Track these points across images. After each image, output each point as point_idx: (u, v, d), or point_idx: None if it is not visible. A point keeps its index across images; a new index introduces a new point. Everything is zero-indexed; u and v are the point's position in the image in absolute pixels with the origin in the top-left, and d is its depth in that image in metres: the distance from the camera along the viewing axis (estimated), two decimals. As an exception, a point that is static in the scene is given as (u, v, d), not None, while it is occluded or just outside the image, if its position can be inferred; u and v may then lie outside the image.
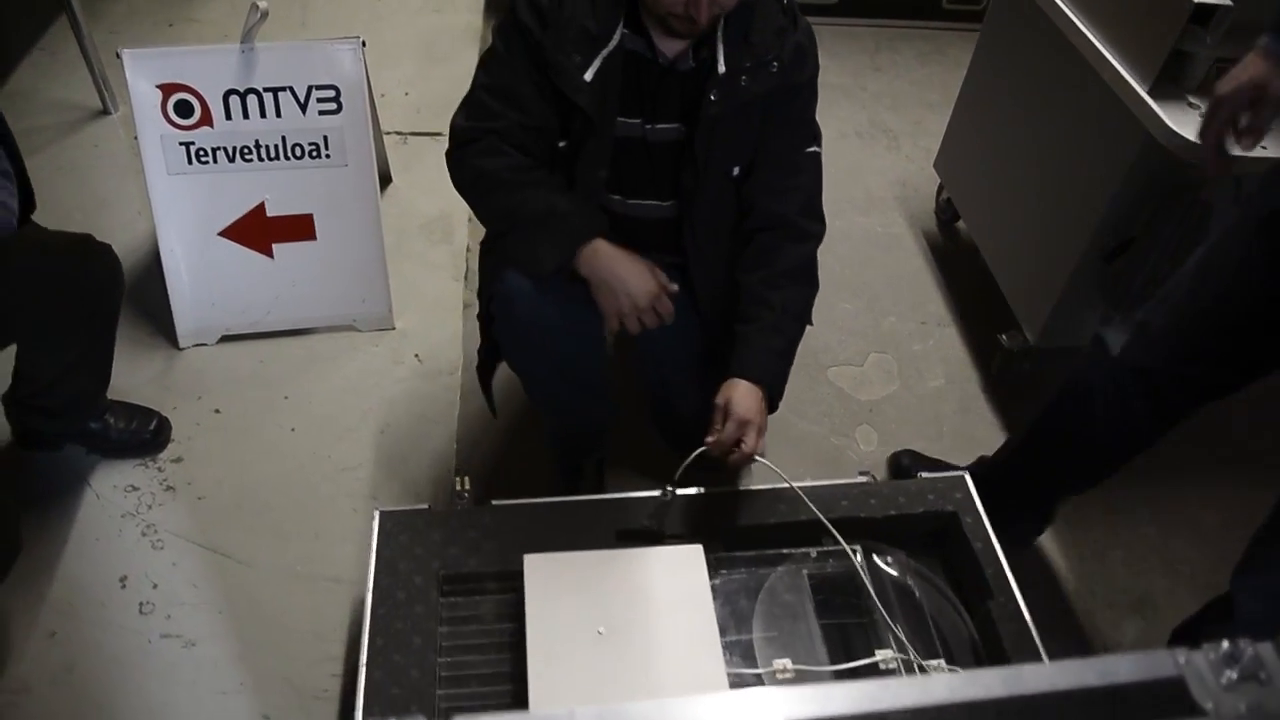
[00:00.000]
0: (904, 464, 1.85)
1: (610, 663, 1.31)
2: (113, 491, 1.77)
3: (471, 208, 1.49)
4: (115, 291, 1.60)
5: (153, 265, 1.94)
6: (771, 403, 1.44)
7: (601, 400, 1.66)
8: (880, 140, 2.75)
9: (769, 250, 1.46)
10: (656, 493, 1.49)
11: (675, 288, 1.42)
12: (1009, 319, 2.03)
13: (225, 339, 2.03)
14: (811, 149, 1.45)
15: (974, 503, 1.56)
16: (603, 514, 1.52)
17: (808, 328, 1.50)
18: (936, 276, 2.34)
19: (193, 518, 1.74)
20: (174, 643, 1.57)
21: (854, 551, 1.46)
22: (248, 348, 2.03)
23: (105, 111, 2.58)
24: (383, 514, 1.50)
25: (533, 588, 1.37)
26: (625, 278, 1.36)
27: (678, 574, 1.41)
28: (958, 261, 2.34)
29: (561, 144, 1.40)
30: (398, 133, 2.59)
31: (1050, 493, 1.69)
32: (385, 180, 2.41)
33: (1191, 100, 1.57)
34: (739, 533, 1.51)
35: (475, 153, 1.39)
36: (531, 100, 1.36)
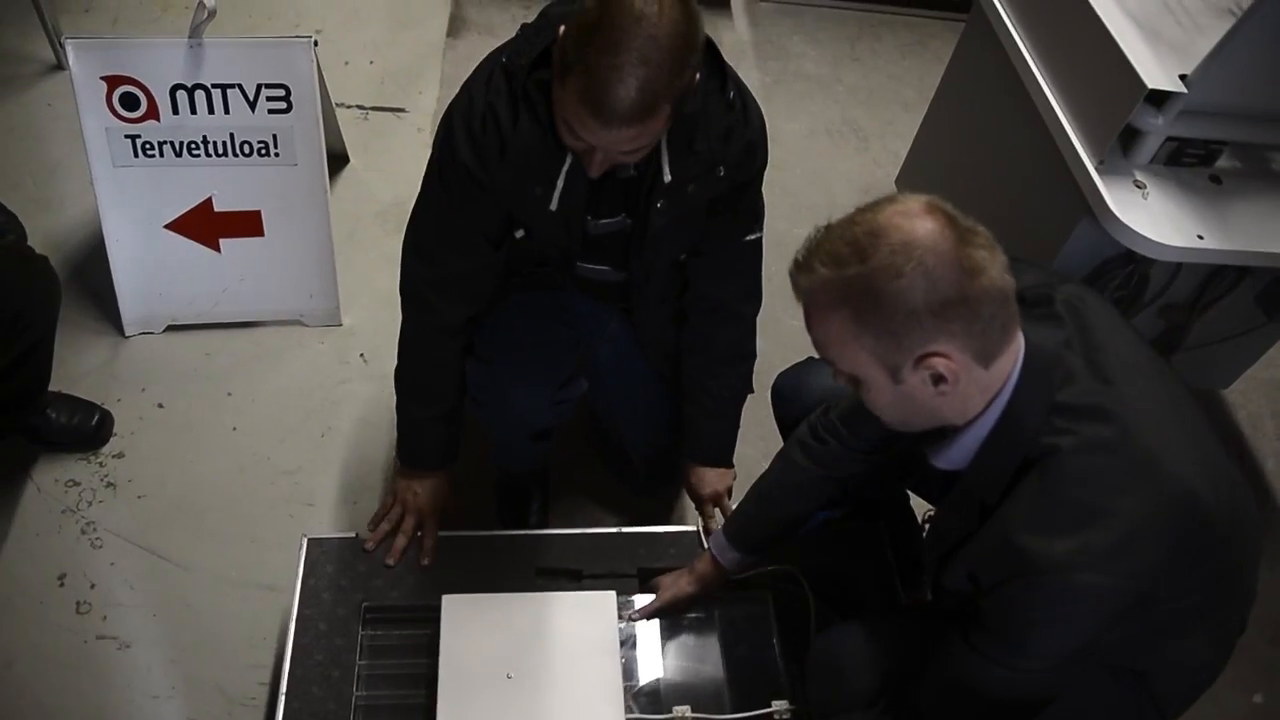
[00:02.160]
0: None
1: (516, 707, 1.38)
2: (54, 485, 1.81)
3: None
4: (53, 306, 1.61)
5: (103, 243, 1.93)
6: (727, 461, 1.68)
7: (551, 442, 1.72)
8: (850, 141, 2.72)
9: (705, 335, 1.55)
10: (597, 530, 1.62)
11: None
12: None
13: (171, 328, 2.04)
14: (754, 236, 1.47)
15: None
16: (525, 550, 1.58)
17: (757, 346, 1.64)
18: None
19: (132, 517, 1.78)
20: (109, 644, 1.64)
21: (766, 598, 1.54)
22: (194, 338, 2.04)
23: (59, 66, 2.51)
24: (310, 541, 1.55)
25: (449, 628, 1.43)
26: (405, 494, 1.57)
27: (589, 620, 1.48)
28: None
29: (519, 234, 1.40)
30: (359, 107, 2.55)
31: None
32: (341, 160, 2.38)
33: (1138, 179, 1.58)
34: (656, 573, 1.57)
35: (408, 318, 1.52)
36: (475, 246, 1.38)
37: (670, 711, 1.42)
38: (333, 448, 1.91)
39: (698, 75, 1.17)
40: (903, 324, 0.94)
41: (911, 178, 2.34)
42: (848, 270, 0.94)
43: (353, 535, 1.57)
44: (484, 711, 1.37)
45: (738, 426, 1.67)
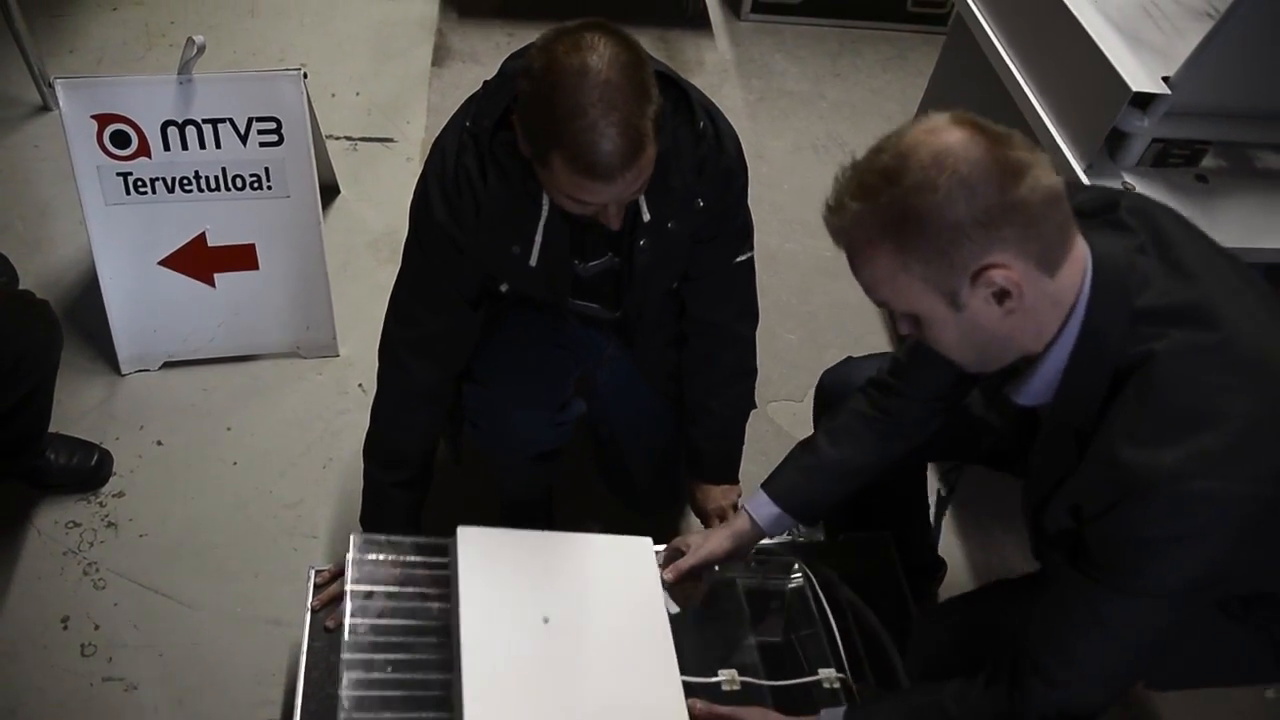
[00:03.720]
0: None
1: (556, 656, 1.20)
2: (54, 528, 1.79)
3: None
4: (54, 351, 1.60)
5: (97, 282, 1.93)
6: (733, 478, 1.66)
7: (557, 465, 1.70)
8: (835, 155, 2.75)
9: (705, 358, 1.54)
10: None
11: None
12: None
13: (168, 365, 2.03)
14: (744, 256, 1.46)
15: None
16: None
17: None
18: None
19: (134, 556, 1.76)
20: (115, 686, 1.61)
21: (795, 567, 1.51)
22: (191, 374, 2.03)
23: (45, 108, 2.52)
24: (317, 573, 1.54)
25: (467, 562, 1.23)
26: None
27: (626, 566, 1.36)
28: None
29: (503, 288, 1.40)
30: (347, 138, 2.56)
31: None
32: (332, 192, 2.39)
33: (1126, 180, 1.60)
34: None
35: (382, 380, 1.50)
36: (451, 305, 1.38)
37: (716, 675, 1.34)
38: (334, 479, 1.90)
39: (660, 101, 1.14)
40: (950, 241, 0.88)
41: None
42: (880, 199, 0.89)
43: (359, 565, 1.55)
44: (517, 659, 1.18)
45: (742, 443, 1.66)
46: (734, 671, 1.36)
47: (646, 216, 1.29)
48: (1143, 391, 0.90)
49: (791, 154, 2.73)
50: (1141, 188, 1.58)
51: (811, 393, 2.13)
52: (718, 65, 3.02)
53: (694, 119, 1.27)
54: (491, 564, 1.25)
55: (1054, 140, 1.67)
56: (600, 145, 1.06)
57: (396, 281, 1.44)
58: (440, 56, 2.88)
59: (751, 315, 1.56)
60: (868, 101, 2.95)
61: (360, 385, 2.05)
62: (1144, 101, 1.53)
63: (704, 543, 1.41)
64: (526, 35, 3.44)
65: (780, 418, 2.10)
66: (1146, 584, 0.93)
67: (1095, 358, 0.94)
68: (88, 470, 1.82)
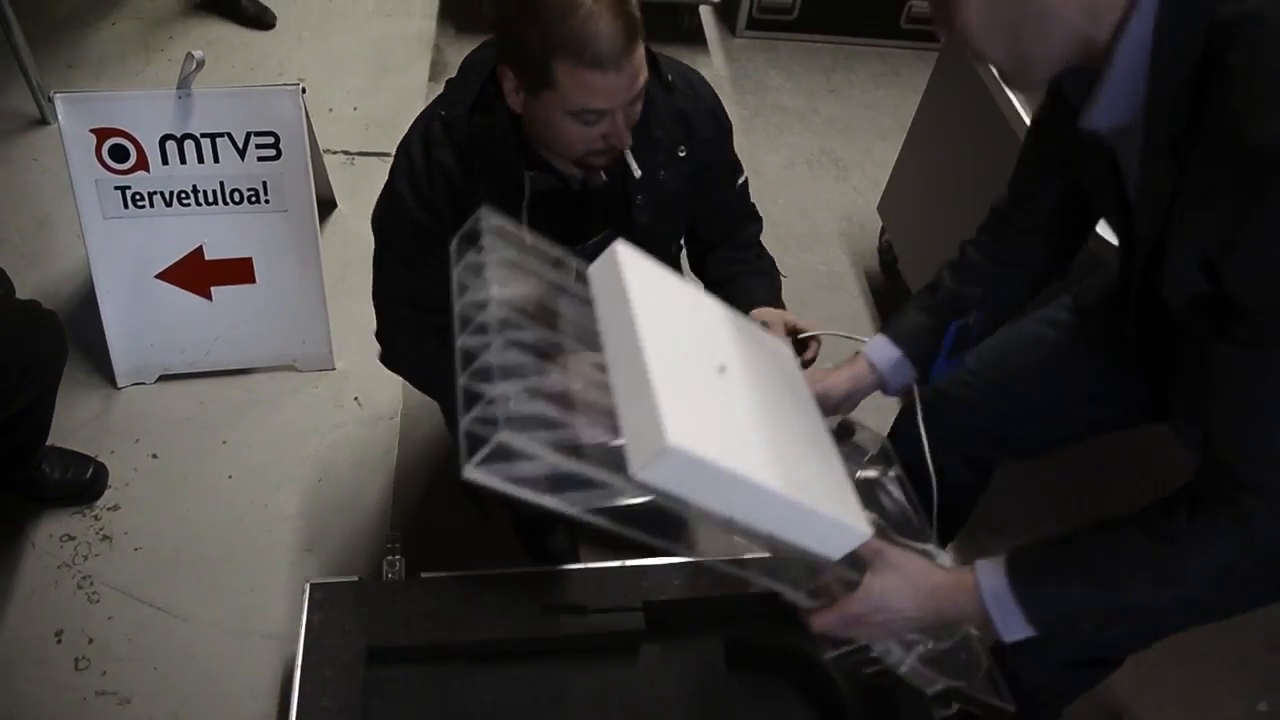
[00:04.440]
0: None
1: (738, 402, 0.94)
2: (49, 541, 1.79)
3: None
4: (59, 363, 1.61)
5: (93, 295, 1.94)
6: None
7: None
8: (829, 170, 2.77)
9: (721, 254, 1.53)
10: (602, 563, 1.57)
11: None
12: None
13: (164, 378, 2.04)
14: (741, 179, 1.49)
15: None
16: (528, 587, 1.58)
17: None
18: (875, 319, 2.39)
19: (129, 569, 1.76)
20: (109, 700, 1.61)
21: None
22: (187, 388, 2.04)
23: (44, 121, 2.53)
24: (313, 586, 1.54)
25: (636, 284, 0.94)
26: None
27: (775, 356, 1.14)
28: (896, 304, 2.37)
29: None
30: (345, 152, 2.57)
31: None
32: (329, 206, 2.40)
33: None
34: (665, 605, 1.57)
35: (406, 349, 1.47)
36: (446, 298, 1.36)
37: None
38: (330, 493, 1.90)
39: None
40: None
41: (893, 204, 2.38)
42: None
43: (355, 579, 1.56)
44: (705, 400, 0.90)
45: (779, 278, 1.55)
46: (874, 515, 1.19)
47: (638, 172, 1.29)
48: (1251, 57, 0.72)
49: (786, 169, 2.75)
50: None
51: (806, 406, 2.16)
52: (713, 81, 2.99)
53: (660, 72, 1.30)
54: (656, 293, 0.98)
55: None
56: (601, 30, 1.07)
57: (381, 307, 1.44)
58: (437, 71, 2.90)
59: (757, 219, 1.57)
60: (862, 117, 2.97)
61: (356, 398, 2.05)
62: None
63: (822, 378, 1.27)
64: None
65: (775, 431, 2.11)
66: None
67: (1177, 41, 0.76)
68: (83, 483, 1.82)
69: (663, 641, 1.54)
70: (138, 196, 1.88)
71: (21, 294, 2.10)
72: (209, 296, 1.99)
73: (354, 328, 2.14)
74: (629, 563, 1.64)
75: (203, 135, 1.86)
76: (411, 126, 1.33)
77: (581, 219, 1.36)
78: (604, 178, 1.32)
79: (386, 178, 1.34)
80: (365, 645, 1.48)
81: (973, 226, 1.93)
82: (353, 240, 2.35)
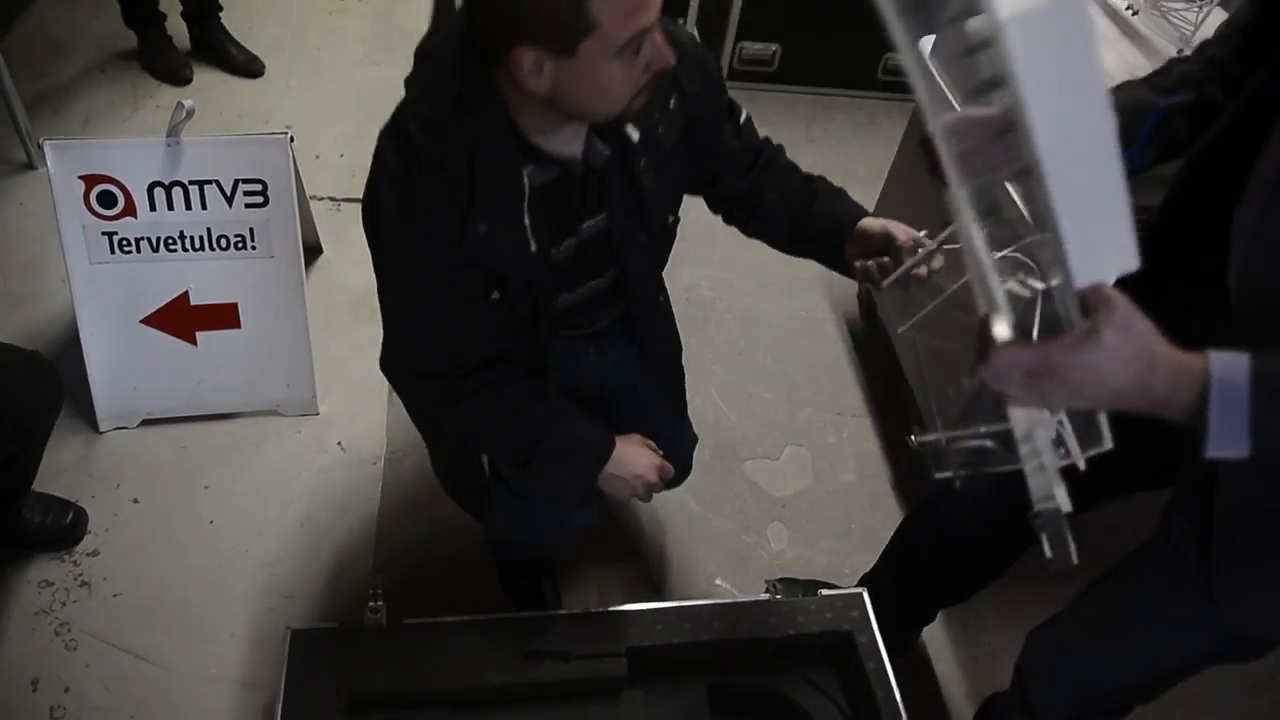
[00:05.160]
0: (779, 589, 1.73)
1: None
2: (26, 587, 1.77)
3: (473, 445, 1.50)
4: (54, 412, 1.61)
5: (77, 339, 1.94)
6: None
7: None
8: (809, 217, 2.82)
9: (766, 196, 1.44)
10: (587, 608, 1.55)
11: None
12: (919, 416, 2.11)
13: (146, 422, 2.03)
14: (744, 114, 1.41)
15: (869, 621, 1.64)
16: (510, 633, 1.57)
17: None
18: (855, 365, 2.42)
19: (107, 616, 1.75)
20: (84, 751, 1.59)
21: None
22: (169, 432, 2.03)
23: (31, 166, 2.54)
24: (293, 633, 1.53)
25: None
26: (631, 466, 1.38)
27: None
28: (876, 350, 2.42)
29: (494, 296, 1.26)
30: (331, 199, 2.60)
31: (918, 605, 1.77)
32: (315, 251, 2.42)
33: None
34: (648, 651, 1.57)
35: (465, 403, 1.32)
36: (478, 319, 1.26)
37: None
38: (312, 538, 1.90)
39: None
40: None
41: (872, 251, 2.42)
42: None
43: (335, 626, 1.55)
44: None
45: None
46: None
47: (635, 135, 1.24)
48: None
49: (767, 216, 2.79)
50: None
51: (787, 450, 2.18)
52: (695, 130, 3.10)
53: None
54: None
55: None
56: None
57: (409, 343, 1.31)
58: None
59: (772, 144, 1.47)
60: (840, 166, 3.03)
61: (339, 443, 2.06)
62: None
63: None
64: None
65: (757, 475, 2.13)
66: None
67: None
68: (63, 528, 1.81)
69: (646, 687, 1.53)
70: (124, 242, 1.90)
71: (4, 337, 2.09)
72: (194, 341, 2.00)
73: (337, 373, 2.15)
74: (612, 609, 1.64)
75: (191, 182, 1.88)
76: (376, 156, 1.19)
77: (580, 202, 1.29)
78: (605, 150, 1.24)
79: (372, 238, 1.21)
80: (347, 693, 1.47)
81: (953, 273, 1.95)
82: (338, 285, 2.37)
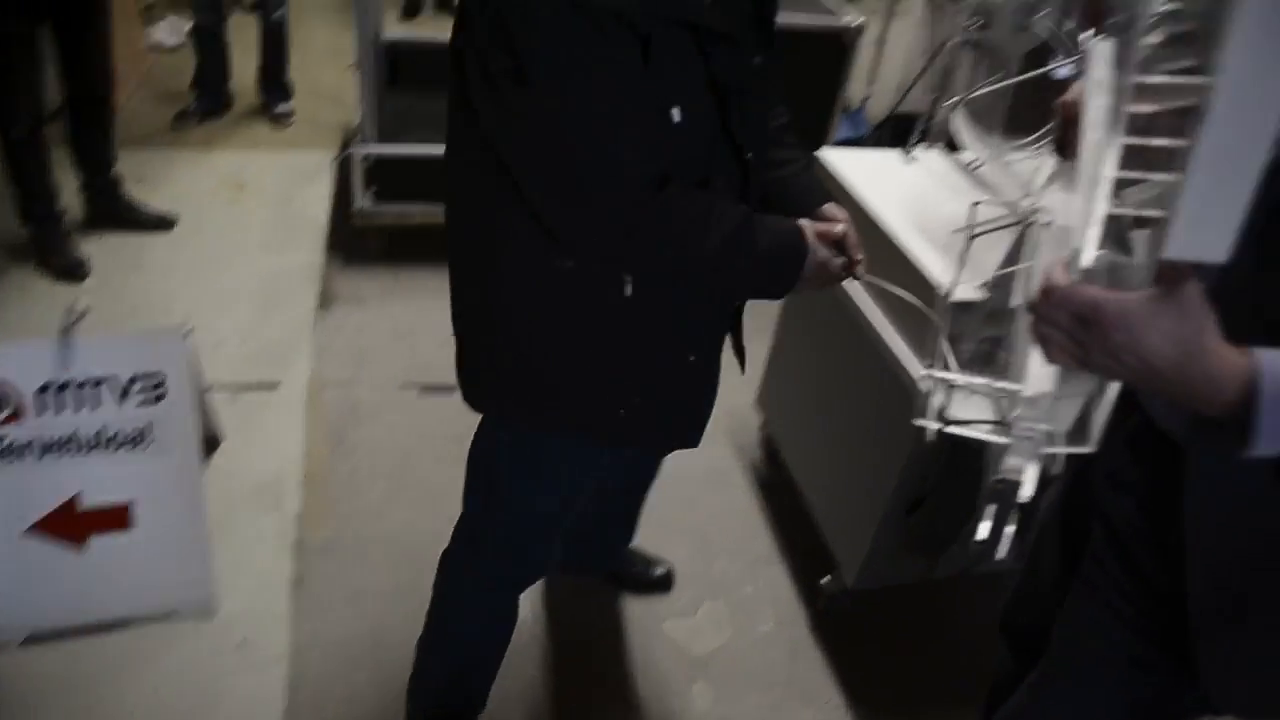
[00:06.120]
0: None
1: None
2: (-114, 840, 1.60)
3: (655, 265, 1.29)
4: None
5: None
6: None
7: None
8: (708, 370, 2.92)
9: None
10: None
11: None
12: (831, 557, 2.15)
13: (32, 638, 1.92)
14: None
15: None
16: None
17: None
18: (765, 511, 2.47)
19: None
20: None
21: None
22: (57, 647, 1.91)
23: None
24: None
25: None
26: (818, 255, 1.30)
27: None
28: (784, 495, 2.47)
29: (675, 115, 1.14)
30: (231, 388, 2.58)
31: None
32: (213, 444, 2.37)
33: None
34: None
35: (656, 216, 1.19)
36: (643, 109, 1.14)
37: None
38: (213, 748, 1.79)
39: None
40: None
41: (768, 398, 2.52)
42: None
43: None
44: None
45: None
46: None
47: None
48: None
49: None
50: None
51: (704, 604, 2.17)
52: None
53: None
54: None
55: (891, 351, 1.85)
56: None
57: (580, 141, 1.12)
58: (326, 300, 2.99)
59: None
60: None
61: (241, 643, 1.97)
62: (966, 306, 1.72)
63: None
64: (412, 277, 3.58)
65: (676, 634, 2.11)
66: None
67: None
68: (-69, 768, 1.67)
69: None
70: (10, 448, 1.84)
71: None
72: (83, 547, 1.92)
73: (239, 567, 2.08)
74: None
75: (83, 382, 1.85)
76: None
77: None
78: None
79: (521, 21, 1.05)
80: None
81: (844, 414, 2.05)
82: (238, 476, 2.33)
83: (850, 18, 3.37)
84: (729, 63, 1.19)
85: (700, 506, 2.44)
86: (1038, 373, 1.01)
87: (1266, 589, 1.01)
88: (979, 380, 1.42)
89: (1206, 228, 0.70)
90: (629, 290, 1.26)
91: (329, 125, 4.00)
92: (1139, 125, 0.86)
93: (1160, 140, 0.78)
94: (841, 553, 2.15)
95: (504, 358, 1.37)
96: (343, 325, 2.92)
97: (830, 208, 1.40)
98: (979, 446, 1.82)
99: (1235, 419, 0.80)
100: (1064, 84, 1.55)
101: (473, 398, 1.45)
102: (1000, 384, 1.37)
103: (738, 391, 2.83)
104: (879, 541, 2.03)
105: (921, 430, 1.81)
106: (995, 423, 1.39)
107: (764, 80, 1.30)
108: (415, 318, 2.98)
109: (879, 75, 4.03)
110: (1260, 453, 0.81)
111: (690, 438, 1.47)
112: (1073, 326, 0.82)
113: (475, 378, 1.45)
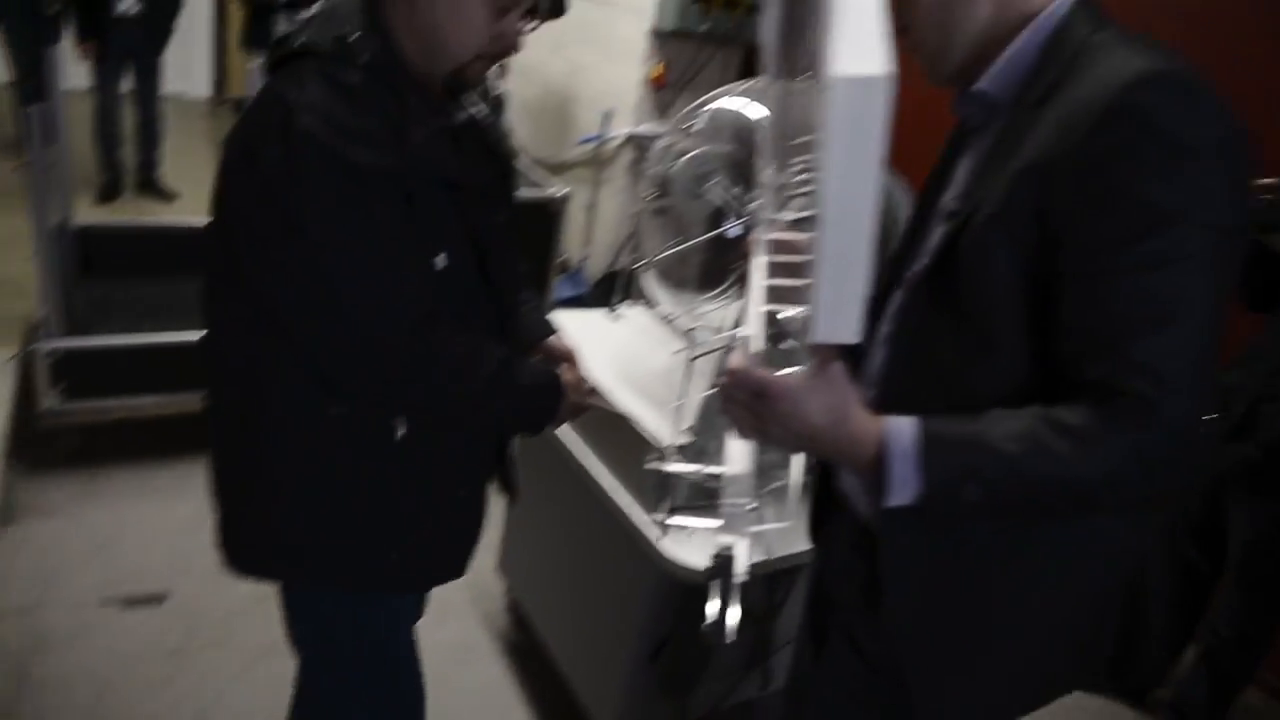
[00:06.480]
0: None
1: None
2: None
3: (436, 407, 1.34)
4: None
5: None
6: None
7: None
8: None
9: None
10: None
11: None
12: (589, 716, 2.11)
13: None
14: None
15: None
16: None
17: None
18: (517, 678, 2.39)
19: None
20: None
21: None
22: None
23: None
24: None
25: None
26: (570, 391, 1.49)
27: None
28: (535, 659, 2.42)
29: (439, 261, 1.26)
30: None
31: None
32: None
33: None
34: None
35: (431, 364, 1.26)
36: (412, 258, 1.25)
37: None
38: None
39: None
40: None
41: (510, 563, 2.49)
42: None
43: None
44: None
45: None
46: None
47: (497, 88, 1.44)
48: (1092, 54, 0.96)
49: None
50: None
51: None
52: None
53: None
54: None
55: (621, 504, 1.91)
56: None
57: (365, 297, 1.19)
58: (5, 517, 2.64)
59: None
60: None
61: None
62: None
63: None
64: (111, 477, 3.28)
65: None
66: (1171, 229, 0.89)
67: (1062, 43, 0.99)
68: None
69: None
70: None
71: None
72: None
73: None
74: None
75: None
76: (264, 105, 1.16)
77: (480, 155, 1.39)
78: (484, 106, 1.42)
79: (293, 183, 1.12)
80: None
81: (580, 568, 2.08)
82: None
83: (555, 189, 3.61)
84: (481, 215, 1.33)
85: (449, 686, 2.33)
86: (737, 453, 1.17)
87: (961, 649, 1.15)
88: (691, 467, 1.61)
89: (836, 316, 0.84)
90: (400, 433, 1.30)
91: (9, 319, 3.63)
92: (784, 248, 1.12)
93: (797, 257, 1.02)
94: (596, 708, 2.12)
95: (272, 516, 1.35)
96: (25, 543, 2.57)
97: (555, 339, 1.61)
98: (706, 582, 1.90)
99: (877, 475, 0.97)
100: (740, 241, 1.78)
101: (238, 562, 1.40)
102: (709, 469, 1.49)
103: (478, 559, 2.77)
104: (631, 692, 2.02)
105: (655, 577, 1.87)
106: (709, 506, 1.50)
107: (512, 232, 1.45)
108: (116, 523, 2.68)
109: (593, 237, 4.32)
110: (897, 502, 0.96)
111: (459, 568, 1.54)
112: (750, 401, 0.97)
113: (238, 540, 1.40)
